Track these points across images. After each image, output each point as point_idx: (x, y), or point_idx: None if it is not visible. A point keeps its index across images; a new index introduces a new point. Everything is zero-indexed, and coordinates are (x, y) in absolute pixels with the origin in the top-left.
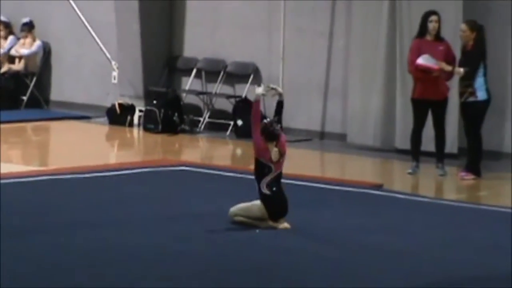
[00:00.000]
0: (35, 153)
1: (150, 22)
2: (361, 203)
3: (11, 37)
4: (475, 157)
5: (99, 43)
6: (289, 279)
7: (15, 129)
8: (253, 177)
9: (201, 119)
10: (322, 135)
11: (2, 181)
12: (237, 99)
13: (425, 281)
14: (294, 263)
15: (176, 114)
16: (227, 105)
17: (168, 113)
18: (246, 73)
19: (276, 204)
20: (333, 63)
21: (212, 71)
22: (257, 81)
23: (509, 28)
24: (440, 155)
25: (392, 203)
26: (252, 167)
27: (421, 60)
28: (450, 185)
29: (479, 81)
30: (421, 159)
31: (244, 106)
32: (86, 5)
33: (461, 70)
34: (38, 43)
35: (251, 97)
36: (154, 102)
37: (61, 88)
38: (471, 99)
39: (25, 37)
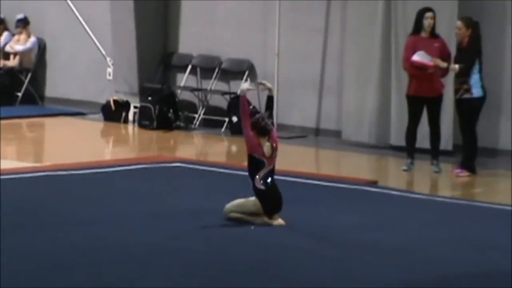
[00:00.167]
0: (30, 149)
1: (145, 19)
2: (356, 200)
3: (5, 33)
4: (470, 154)
5: (94, 39)
6: (284, 276)
7: (10, 126)
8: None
9: (196, 115)
10: (317, 132)
11: None
12: (232, 95)
13: (420, 278)
14: (289, 260)
15: (171, 111)
16: (222, 102)
17: (163, 110)
18: (241, 70)
19: (271, 199)
20: (328, 60)
21: (207, 67)
22: (253, 77)
23: (504, 24)
24: (435, 152)
25: (387, 200)
26: (246, 163)
27: (416, 57)
28: (445, 182)
29: (475, 78)
30: (416, 156)
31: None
32: (81, 1)
33: (456, 66)
34: (33, 39)
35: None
36: (149, 98)
37: (56, 85)
38: (467, 96)
39: (20, 33)
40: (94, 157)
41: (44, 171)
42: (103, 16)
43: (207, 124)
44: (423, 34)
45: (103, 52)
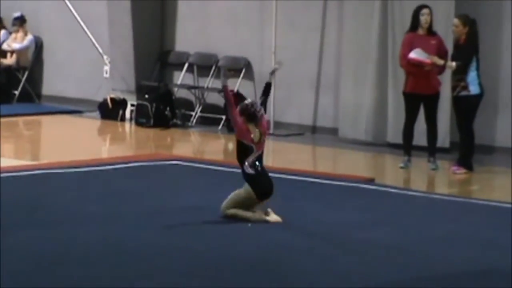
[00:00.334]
0: (27, 147)
1: (142, 17)
2: (353, 197)
3: (2, 32)
4: (467, 151)
5: (91, 37)
6: (280, 274)
7: (7, 124)
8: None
9: (193, 113)
10: (314, 129)
11: None
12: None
13: (416, 275)
14: (286, 257)
15: (168, 109)
16: (219, 100)
17: (160, 108)
18: (238, 67)
19: (261, 183)
20: (325, 57)
21: (204, 65)
22: (249, 75)
23: (501, 21)
24: (432, 149)
25: (383, 197)
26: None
27: (413, 54)
28: (442, 179)
29: (472, 75)
30: (413, 153)
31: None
32: None
33: (453, 64)
34: (30, 37)
35: (243, 92)
36: (146, 96)
37: (53, 83)
38: (464, 93)
39: (17, 31)
40: (91, 155)
41: (41, 169)
42: (100, 14)
43: (204, 122)
44: (420, 32)
45: (100, 50)
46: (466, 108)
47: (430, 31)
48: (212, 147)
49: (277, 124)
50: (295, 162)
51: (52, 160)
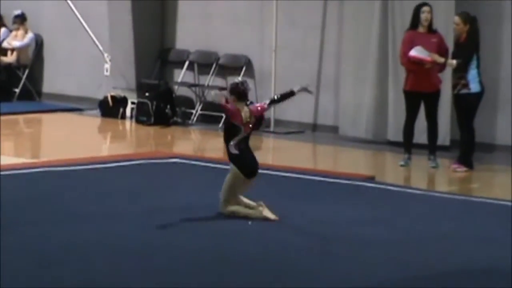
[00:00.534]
0: (27, 145)
1: (142, 15)
2: (353, 195)
3: (3, 29)
4: (467, 149)
5: (92, 35)
6: (280, 272)
7: (7, 121)
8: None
9: (194, 111)
10: (314, 127)
11: None
12: None
13: (417, 273)
14: (286, 255)
15: (168, 107)
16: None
17: (160, 106)
18: (239, 65)
19: (247, 162)
20: (326, 55)
21: (205, 63)
22: (249, 73)
23: (501, 19)
24: (432, 147)
25: (384, 195)
26: None
27: (414, 52)
28: (442, 177)
29: (472, 73)
30: (413, 151)
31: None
32: None
33: (454, 62)
34: (30, 35)
35: None
36: (147, 94)
37: (54, 81)
38: (464, 91)
39: (17, 29)
40: (91, 153)
41: (41, 167)
42: (100, 12)
43: (204, 119)
44: (421, 29)
45: (101, 48)
46: (466, 106)
47: (431, 29)
48: (212, 145)
49: (278, 122)
50: (295, 160)
51: (53, 158)
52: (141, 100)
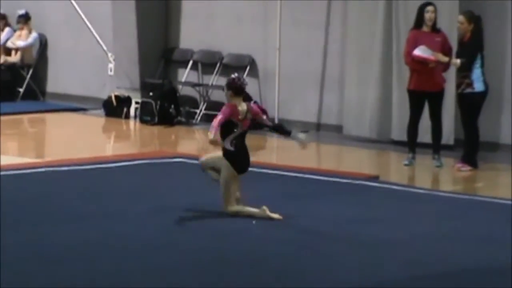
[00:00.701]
0: (31, 145)
1: (146, 14)
2: (357, 195)
3: (7, 29)
4: (471, 149)
5: (95, 35)
6: (283, 271)
7: (12, 121)
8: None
9: (198, 111)
10: (318, 126)
11: None
12: None
13: (421, 273)
14: (290, 255)
15: (172, 106)
16: (223, 97)
17: (164, 105)
18: (243, 64)
19: (240, 160)
20: (330, 54)
21: (208, 63)
22: (253, 72)
23: (505, 18)
24: (436, 147)
25: (388, 194)
26: None
27: (418, 51)
28: (446, 177)
29: (476, 73)
30: (418, 151)
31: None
32: None
33: (458, 61)
34: (34, 35)
35: (247, 89)
36: (151, 94)
37: (57, 80)
38: (468, 90)
39: (21, 29)
40: (95, 153)
41: (45, 166)
42: (104, 12)
43: (208, 119)
44: (425, 29)
45: (104, 47)
46: (470, 105)
47: (435, 28)
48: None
49: (282, 122)
50: (299, 159)
51: (57, 158)
52: (145, 99)
